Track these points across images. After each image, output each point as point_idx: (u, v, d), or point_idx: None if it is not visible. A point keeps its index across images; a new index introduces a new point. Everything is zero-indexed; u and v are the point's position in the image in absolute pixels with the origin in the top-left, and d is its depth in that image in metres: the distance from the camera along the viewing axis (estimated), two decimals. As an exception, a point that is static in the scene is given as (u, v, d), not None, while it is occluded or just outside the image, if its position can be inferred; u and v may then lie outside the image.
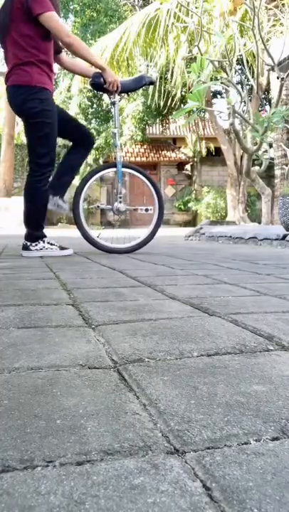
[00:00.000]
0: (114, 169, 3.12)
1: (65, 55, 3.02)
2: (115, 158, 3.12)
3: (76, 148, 3.07)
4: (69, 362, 0.74)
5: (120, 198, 3.15)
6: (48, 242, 2.97)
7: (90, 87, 3.51)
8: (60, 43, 2.81)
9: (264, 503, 0.37)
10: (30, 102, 2.73)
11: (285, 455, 0.45)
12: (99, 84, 2.94)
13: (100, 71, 2.92)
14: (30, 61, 2.71)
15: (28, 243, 2.94)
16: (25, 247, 2.94)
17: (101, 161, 15.45)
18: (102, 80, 2.91)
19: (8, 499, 0.38)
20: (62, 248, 2.98)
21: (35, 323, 1.02)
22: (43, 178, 2.84)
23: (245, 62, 5.24)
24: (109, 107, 3.40)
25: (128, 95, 14.15)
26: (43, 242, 2.95)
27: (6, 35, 2.76)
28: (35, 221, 2.94)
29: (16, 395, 0.60)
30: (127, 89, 3.10)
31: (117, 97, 3.05)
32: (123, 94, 3.21)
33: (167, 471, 0.42)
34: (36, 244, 2.93)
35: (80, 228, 3.04)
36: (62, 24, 2.71)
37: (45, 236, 2.98)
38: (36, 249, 2.92)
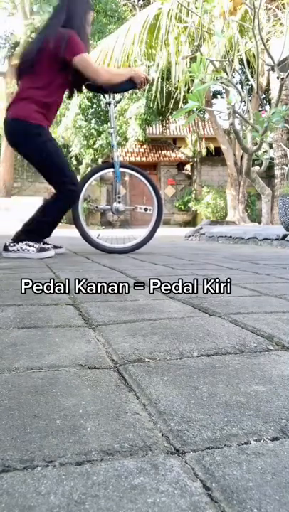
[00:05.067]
0: (113, 169, 3.12)
1: None
2: (112, 158, 3.12)
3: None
4: (69, 362, 0.74)
5: (119, 198, 3.16)
6: (27, 244, 2.81)
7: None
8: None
9: (264, 503, 0.37)
10: (28, 138, 2.74)
11: (285, 455, 0.45)
12: (94, 85, 2.96)
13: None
14: (35, 99, 2.72)
15: (9, 242, 2.82)
16: (5, 247, 2.83)
17: (100, 161, 15.44)
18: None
19: (8, 499, 0.38)
20: (42, 250, 2.81)
21: (35, 323, 1.02)
22: (64, 197, 2.84)
23: (245, 62, 5.24)
24: (107, 108, 3.39)
25: (128, 93, 14.15)
26: (22, 242, 2.81)
27: (27, 72, 2.78)
28: (34, 231, 2.84)
29: (16, 395, 0.60)
30: (122, 89, 3.11)
31: (112, 97, 3.06)
32: (121, 94, 3.23)
33: (167, 471, 0.42)
34: (14, 245, 2.80)
35: (79, 228, 3.04)
36: (94, 65, 2.76)
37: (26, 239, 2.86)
38: (13, 250, 2.80)
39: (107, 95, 3.05)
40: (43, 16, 14.03)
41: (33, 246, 2.80)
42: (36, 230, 2.84)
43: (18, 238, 2.83)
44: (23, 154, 2.88)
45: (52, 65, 2.72)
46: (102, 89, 3.01)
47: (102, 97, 3.12)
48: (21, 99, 2.76)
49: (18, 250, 2.79)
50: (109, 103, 3.07)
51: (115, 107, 3.14)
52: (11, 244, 2.82)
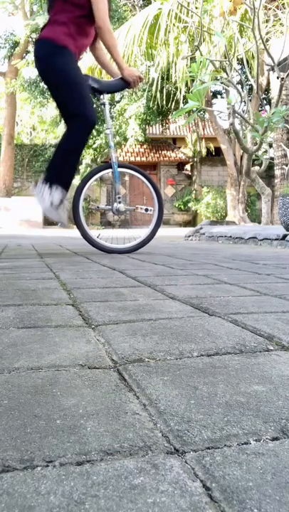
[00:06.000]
0: (112, 170, 3.12)
1: (100, 46, 3.09)
2: (110, 159, 3.12)
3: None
4: (69, 362, 0.74)
5: (119, 198, 3.16)
6: (51, 193, 2.68)
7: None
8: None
9: (264, 503, 0.37)
10: (50, 58, 2.77)
11: (285, 455, 0.45)
12: (91, 87, 2.98)
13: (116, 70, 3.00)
14: (63, 21, 2.76)
15: (43, 181, 2.71)
16: (40, 183, 2.74)
17: (99, 161, 15.44)
18: (89, 81, 2.94)
19: (8, 499, 0.38)
20: (57, 207, 2.76)
21: (35, 323, 1.02)
22: (77, 133, 2.76)
23: (245, 62, 5.24)
24: (101, 108, 3.38)
25: (128, 93, 14.15)
26: (53, 186, 2.67)
27: (58, 2, 2.83)
28: (56, 167, 2.76)
29: (16, 395, 0.60)
30: (115, 89, 3.12)
31: (106, 98, 3.06)
32: (120, 94, 3.24)
33: (167, 471, 0.42)
34: (44, 186, 2.68)
35: (80, 228, 3.04)
36: (105, 7, 2.76)
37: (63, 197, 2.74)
38: (39, 190, 2.70)
39: (100, 96, 3.05)
40: (43, 16, 14.02)
41: (53, 196, 2.70)
42: (57, 163, 2.77)
43: (47, 179, 2.75)
44: (44, 79, 2.87)
45: None
46: (96, 91, 3.01)
47: (96, 99, 3.11)
48: (51, 23, 2.82)
49: (42, 193, 2.72)
50: (104, 104, 3.08)
51: (115, 106, 3.14)
52: (44, 183, 2.72)
